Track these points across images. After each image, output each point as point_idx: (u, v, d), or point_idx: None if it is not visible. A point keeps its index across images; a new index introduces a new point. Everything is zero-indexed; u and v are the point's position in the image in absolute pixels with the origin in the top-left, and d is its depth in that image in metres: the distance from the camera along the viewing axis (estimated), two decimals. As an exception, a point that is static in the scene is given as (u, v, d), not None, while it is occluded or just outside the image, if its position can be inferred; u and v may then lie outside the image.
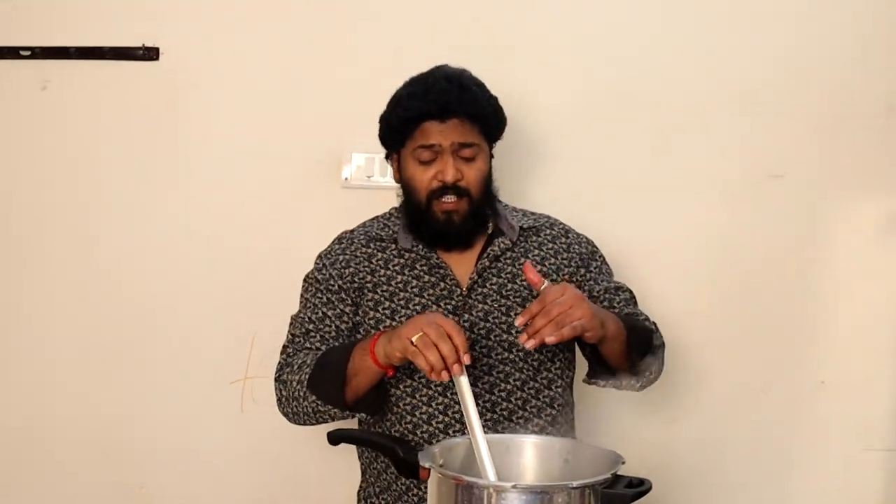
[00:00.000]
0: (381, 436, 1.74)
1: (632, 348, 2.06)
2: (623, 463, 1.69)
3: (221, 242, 2.76)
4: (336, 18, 2.72)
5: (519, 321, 1.84)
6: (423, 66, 2.64)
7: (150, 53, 2.74)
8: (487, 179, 2.18)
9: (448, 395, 2.07)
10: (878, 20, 2.64)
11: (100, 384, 2.79)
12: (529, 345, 1.81)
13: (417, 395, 2.08)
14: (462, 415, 1.87)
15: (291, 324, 2.23)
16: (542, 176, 2.69)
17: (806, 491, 2.69)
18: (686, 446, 2.70)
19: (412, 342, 1.81)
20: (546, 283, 1.87)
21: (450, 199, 2.11)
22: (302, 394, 2.05)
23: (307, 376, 2.04)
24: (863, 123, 2.65)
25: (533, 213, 2.31)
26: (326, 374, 2.01)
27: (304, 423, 2.11)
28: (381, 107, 2.66)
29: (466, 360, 1.78)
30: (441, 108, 2.10)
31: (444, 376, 1.78)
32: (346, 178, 2.72)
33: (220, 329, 2.76)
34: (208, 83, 2.75)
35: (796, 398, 2.69)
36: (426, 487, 1.67)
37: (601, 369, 2.14)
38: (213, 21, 2.74)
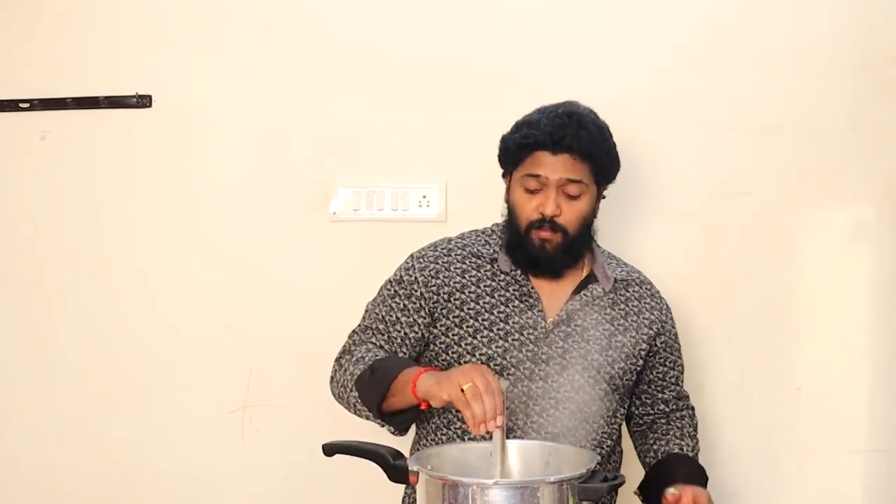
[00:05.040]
0: (371, 444, 1.83)
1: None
2: (599, 461, 1.77)
3: (217, 278, 2.83)
4: (320, 58, 2.80)
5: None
6: (407, 101, 2.76)
7: (144, 101, 2.83)
8: (587, 219, 2.18)
9: None
10: (843, 35, 2.67)
11: (103, 418, 2.86)
12: None
13: (453, 410, 2.09)
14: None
15: (366, 311, 2.24)
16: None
17: (790, 494, 2.72)
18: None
19: (463, 390, 1.83)
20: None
21: (546, 229, 2.12)
22: (350, 386, 2.10)
23: (359, 373, 2.08)
24: (828, 139, 2.68)
25: (626, 265, 2.31)
26: (373, 381, 2.04)
27: (346, 408, 2.16)
28: (366, 144, 2.78)
29: (499, 421, 1.80)
30: (554, 141, 2.10)
31: (483, 430, 1.80)
32: (333, 213, 2.78)
33: (219, 361, 2.82)
34: (198, 125, 2.84)
35: (777, 404, 2.71)
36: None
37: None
38: (201, 68, 2.84)
